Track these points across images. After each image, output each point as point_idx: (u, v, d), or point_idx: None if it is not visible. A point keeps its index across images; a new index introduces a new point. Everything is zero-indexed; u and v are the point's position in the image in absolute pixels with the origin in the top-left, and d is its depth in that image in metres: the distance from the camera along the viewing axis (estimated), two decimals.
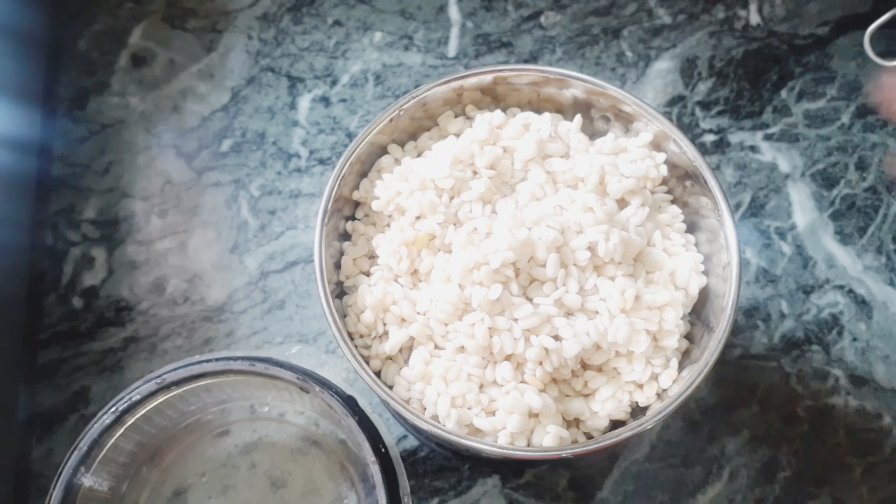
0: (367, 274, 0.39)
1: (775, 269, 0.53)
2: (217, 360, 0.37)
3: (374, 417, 0.36)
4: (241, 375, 0.37)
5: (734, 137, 0.57)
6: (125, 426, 0.37)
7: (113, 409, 0.36)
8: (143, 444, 0.39)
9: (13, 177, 0.52)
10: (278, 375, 0.36)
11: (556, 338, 0.34)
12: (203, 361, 0.37)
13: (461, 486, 0.47)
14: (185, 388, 0.37)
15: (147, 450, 0.40)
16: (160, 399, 0.37)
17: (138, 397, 0.36)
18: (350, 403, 0.36)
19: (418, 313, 0.37)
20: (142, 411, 0.37)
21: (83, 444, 0.35)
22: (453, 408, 0.35)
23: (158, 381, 0.37)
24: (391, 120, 0.40)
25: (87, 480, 0.36)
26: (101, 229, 0.54)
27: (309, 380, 0.36)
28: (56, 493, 0.35)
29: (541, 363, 0.34)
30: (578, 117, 0.41)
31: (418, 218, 0.38)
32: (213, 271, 0.53)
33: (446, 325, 0.36)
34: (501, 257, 0.34)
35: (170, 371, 0.37)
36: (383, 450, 0.35)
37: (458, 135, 0.42)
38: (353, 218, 0.41)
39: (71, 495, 0.35)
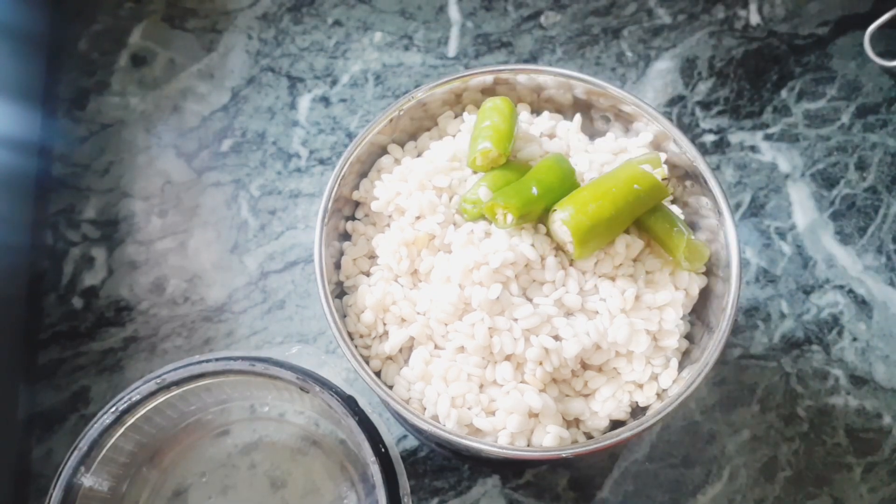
0: (367, 274, 0.39)
1: (775, 269, 0.53)
2: (217, 360, 0.37)
3: (374, 417, 0.36)
4: (241, 375, 0.37)
5: (734, 137, 0.57)
6: (125, 426, 0.37)
7: (113, 409, 0.36)
8: (143, 444, 0.39)
9: (13, 177, 0.52)
10: (278, 375, 0.36)
11: (556, 338, 0.34)
12: (203, 361, 0.37)
13: (461, 486, 0.47)
14: (185, 388, 0.37)
15: (147, 450, 0.40)
16: (160, 399, 0.37)
17: (138, 397, 0.36)
18: (350, 403, 0.36)
19: (418, 313, 0.37)
20: (142, 411, 0.37)
21: (83, 444, 0.35)
22: (453, 408, 0.35)
23: (158, 381, 0.37)
24: (391, 120, 0.40)
25: (87, 480, 0.36)
26: (101, 229, 0.54)
27: (309, 380, 0.36)
28: (56, 493, 0.35)
29: (541, 363, 0.34)
30: (578, 117, 0.41)
31: (418, 218, 0.38)
32: (213, 271, 0.53)
33: (446, 325, 0.36)
34: (501, 257, 0.34)
35: (170, 371, 0.37)
36: (383, 450, 0.35)
37: (454, 136, 0.42)
38: (353, 218, 0.41)
39: (71, 495, 0.35)
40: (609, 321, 0.35)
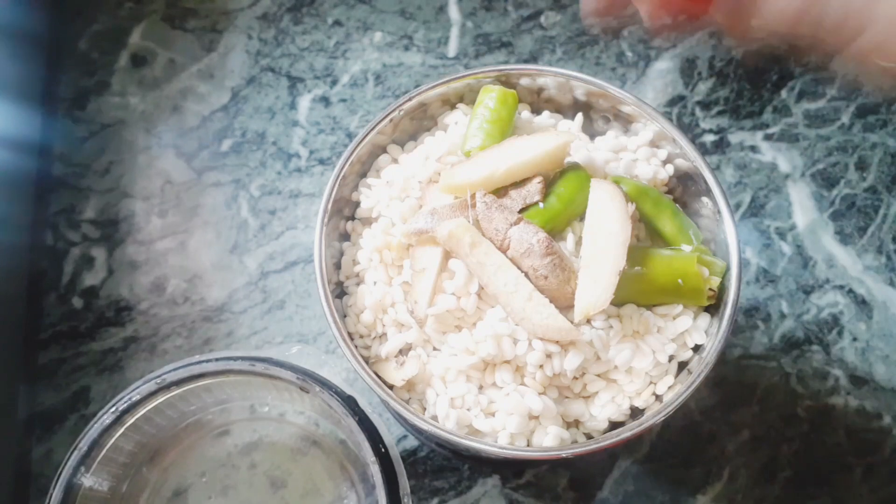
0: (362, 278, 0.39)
1: (775, 269, 0.53)
2: (217, 360, 0.37)
3: (374, 417, 0.36)
4: (241, 375, 0.37)
5: (734, 137, 0.57)
6: (125, 426, 0.37)
7: (113, 409, 0.36)
8: (143, 444, 0.39)
9: (13, 177, 0.52)
10: (278, 375, 0.36)
11: (559, 342, 0.34)
12: (203, 361, 0.37)
13: (461, 486, 0.47)
14: (185, 388, 0.37)
15: (147, 450, 0.40)
16: (160, 399, 0.37)
17: (138, 397, 0.36)
18: (350, 403, 0.36)
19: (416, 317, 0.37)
20: (142, 411, 0.37)
21: (83, 444, 0.35)
22: (452, 408, 0.35)
23: (158, 381, 0.37)
24: (391, 120, 0.40)
25: (87, 480, 0.36)
26: (101, 229, 0.54)
27: (309, 380, 0.36)
28: (56, 493, 0.35)
29: (541, 367, 0.34)
30: (580, 116, 0.41)
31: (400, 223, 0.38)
32: (213, 271, 0.53)
33: (444, 332, 0.36)
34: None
35: (170, 371, 0.37)
36: (383, 450, 0.35)
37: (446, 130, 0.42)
38: (352, 218, 0.41)
39: (71, 495, 0.35)
40: (614, 341, 0.35)
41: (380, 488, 0.34)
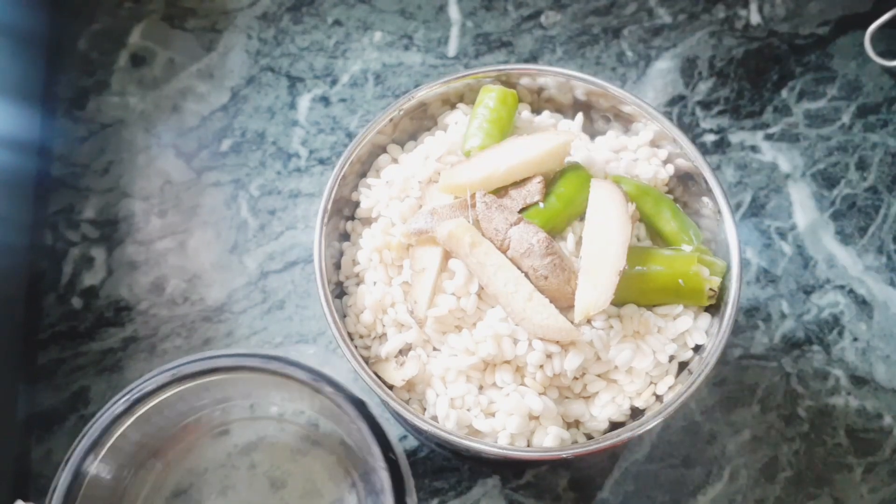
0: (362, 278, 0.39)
1: (776, 269, 0.53)
2: (231, 356, 0.37)
3: (381, 422, 0.36)
4: (254, 373, 0.37)
5: (735, 137, 0.57)
6: (135, 416, 0.37)
7: (125, 397, 0.36)
8: (150, 436, 0.39)
9: (13, 177, 0.52)
10: (292, 375, 0.36)
11: (559, 343, 0.34)
12: (217, 356, 0.37)
13: (461, 487, 0.47)
14: (197, 382, 0.37)
15: (147, 449, 0.40)
16: (171, 391, 0.37)
17: (152, 387, 0.36)
18: (360, 407, 0.36)
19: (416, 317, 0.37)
20: (153, 402, 0.37)
21: (94, 430, 0.36)
22: (452, 409, 0.35)
23: (173, 372, 0.37)
24: (391, 120, 0.40)
25: (94, 469, 0.36)
26: (101, 229, 0.54)
27: (321, 381, 0.36)
28: (64, 477, 0.35)
29: (541, 367, 0.34)
30: (580, 116, 0.41)
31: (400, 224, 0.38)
32: (213, 271, 0.53)
33: (444, 332, 0.35)
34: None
35: (184, 364, 0.37)
36: (393, 457, 0.35)
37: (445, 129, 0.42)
38: (352, 218, 0.41)
39: (78, 480, 0.35)
40: (614, 341, 0.35)
41: (388, 494, 0.34)
